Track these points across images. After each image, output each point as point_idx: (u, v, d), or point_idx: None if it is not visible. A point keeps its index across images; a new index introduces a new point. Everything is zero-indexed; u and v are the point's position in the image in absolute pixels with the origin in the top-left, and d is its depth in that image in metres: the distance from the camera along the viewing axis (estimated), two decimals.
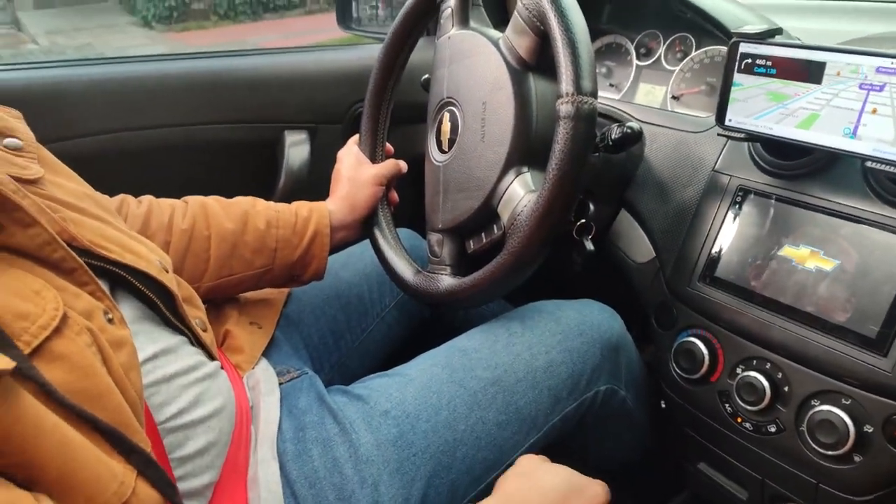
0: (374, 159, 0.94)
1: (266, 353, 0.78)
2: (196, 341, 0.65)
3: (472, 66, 0.79)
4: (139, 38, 7.79)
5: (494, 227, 0.78)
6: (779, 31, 0.66)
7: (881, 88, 0.56)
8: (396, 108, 1.00)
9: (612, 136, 0.75)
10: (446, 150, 0.83)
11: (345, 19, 1.38)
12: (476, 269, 0.76)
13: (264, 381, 0.71)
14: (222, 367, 0.68)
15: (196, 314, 0.68)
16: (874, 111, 0.57)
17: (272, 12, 8.57)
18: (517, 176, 0.74)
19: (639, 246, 0.88)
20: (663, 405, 0.87)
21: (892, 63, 0.56)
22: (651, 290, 0.86)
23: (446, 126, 0.83)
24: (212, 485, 0.59)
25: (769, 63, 0.64)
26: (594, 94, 0.66)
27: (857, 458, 0.66)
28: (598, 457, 0.92)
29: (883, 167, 0.58)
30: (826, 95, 0.60)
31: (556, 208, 0.67)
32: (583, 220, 0.84)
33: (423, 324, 1.03)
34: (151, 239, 0.75)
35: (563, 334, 0.78)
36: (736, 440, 0.77)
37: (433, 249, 0.83)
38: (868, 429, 0.65)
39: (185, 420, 0.57)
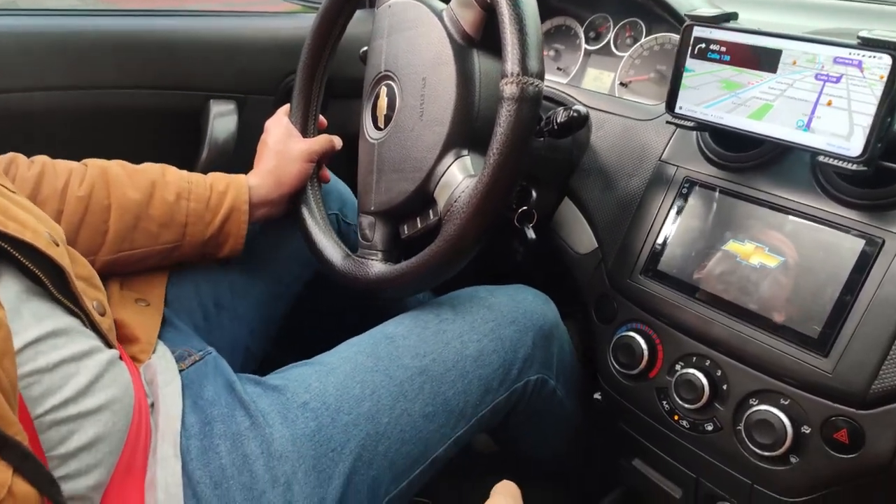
0: (305, 133, 0.88)
1: (160, 335, 0.71)
2: (91, 325, 0.58)
3: (413, 38, 0.74)
4: None
5: (430, 212, 0.73)
6: (734, 15, 0.63)
7: (838, 80, 0.54)
8: (333, 81, 0.94)
9: (558, 120, 0.71)
10: (382, 126, 0.77)
11: None
12: (409, 256, 0.72)
13: (161, 370, 0.64)
14: (121, 358, 0.61)
15: (95, 296, 0.61)
16: (829, 103, 0.55)
17: None
18: (456, 159, 0.69)
19: (581, 236, 0.85)
20: (598, 397, 0.84)
21: (851, 53, 0.53)
22: (592, 282, 0.83)
23: (383, 101, 0.77)
24: (100, 486, 0.53)
25: (723, 49, 0.61)
26: (541, 76, 0.62)
27: (793, 460, 0.64)
28: (527, 449, 0.90)
29: (835, 162, 0.55)
30: (781, 85, 0.58)
31: (496, 195, 0.62)
32: (524, 208, 0.80)
33: (356, 311, 0.98)
34: (42, 206, 0.67)
35: (495, 322, 0.74)
36: (672, 438, 0.75)
37: (364, 233, 0.78)
38: (806, 430, 0.63)
39: (70, 412, 0.51)
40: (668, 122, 0.68)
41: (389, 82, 0.77)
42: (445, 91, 0.69)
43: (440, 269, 0.68)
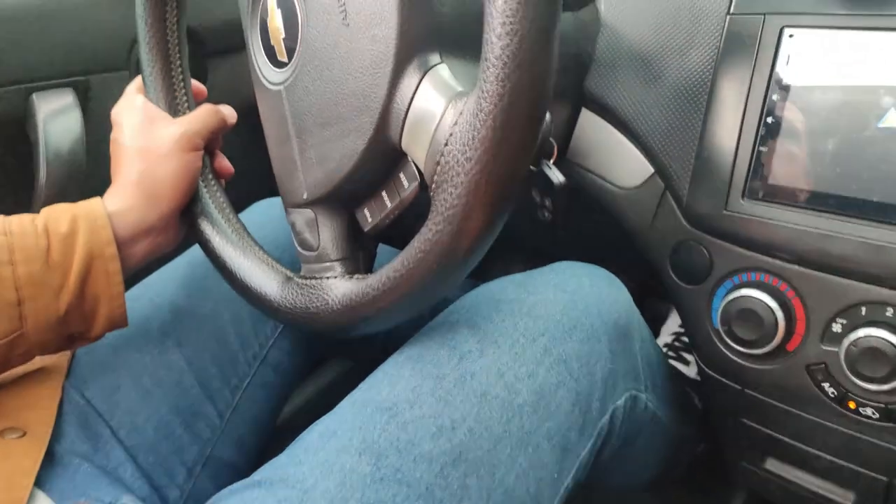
0: (174, 111, 0.57)
1: (44, 481, 0.44)
2: None
3: None
4: None
5: (402, 177, 0.43)
6: None
7: None
8: (206, 31, 0.63)
9: None
10: (285, 60, 0.47)
11: None
12: (388, 256, 0.43)
13: None
14: None
15: None
16: None
17: None
18: (425, 73, 0.39)
19: (623, 162, 0.56)
20: (698, 403, 0.58)
21: None
22: (657, 225, 0.55)
23: (276, 21, 0.47)
24: None
25: None
26: None
27: None
28: (616, 483, 0.63)
29: None
30: None
31: (523, 114, 0.34)
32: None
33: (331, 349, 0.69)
34: None
35: (548, 335, 0.46)
36: (843, 433, 0.49)
37: (303, 238, 0.48)
38: None
39: None
40: None
41: None
42: None
43: (445, 270, 0.39)
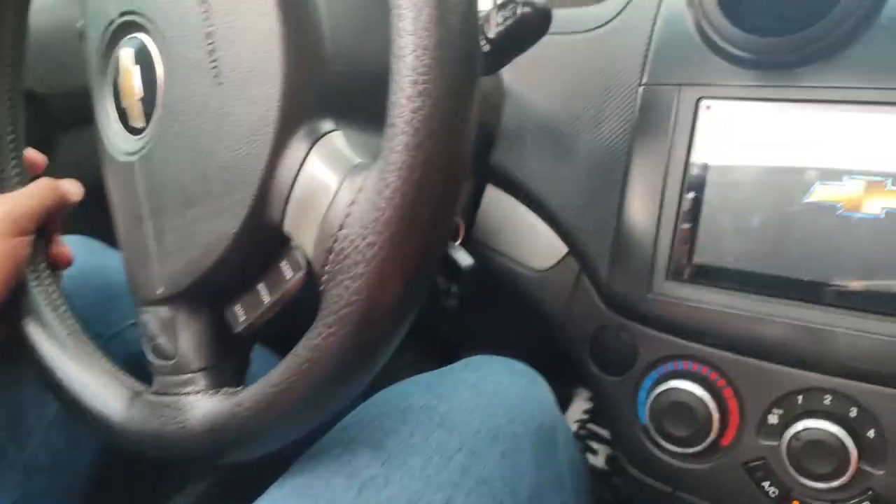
0: (1, 185, 0.47)
1: None
2: None
3: None
4: None
5: (285, 265, 0.35)
6: None
7: None
8: (48, 99, 0.53)
9: (499, 23, 0.37)
10: (141, 125, 0.38)
11: None
12: (263, 368, 0.35)
13: None
14: None
15: None
16: None
17: None
18: (315, 142, 0.33)
19: (534, 242, 0.52)
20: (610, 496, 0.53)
21: None
22: (574, 311, 0.50)
23: (130, 78, 0.39)
24: None
25: None
26: None
27: None
28: None
29: None
30: None
31: (439, 190, 0.28)
32: None
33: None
34: None
35: (465, 450, 0.38)
36: None
37: (157, 344, 0.38)
38: None
39: None
40: None
41: (137, 35, 0.38)
42: (255, 15, 0.33)
43: (337, 383, 0.31)
